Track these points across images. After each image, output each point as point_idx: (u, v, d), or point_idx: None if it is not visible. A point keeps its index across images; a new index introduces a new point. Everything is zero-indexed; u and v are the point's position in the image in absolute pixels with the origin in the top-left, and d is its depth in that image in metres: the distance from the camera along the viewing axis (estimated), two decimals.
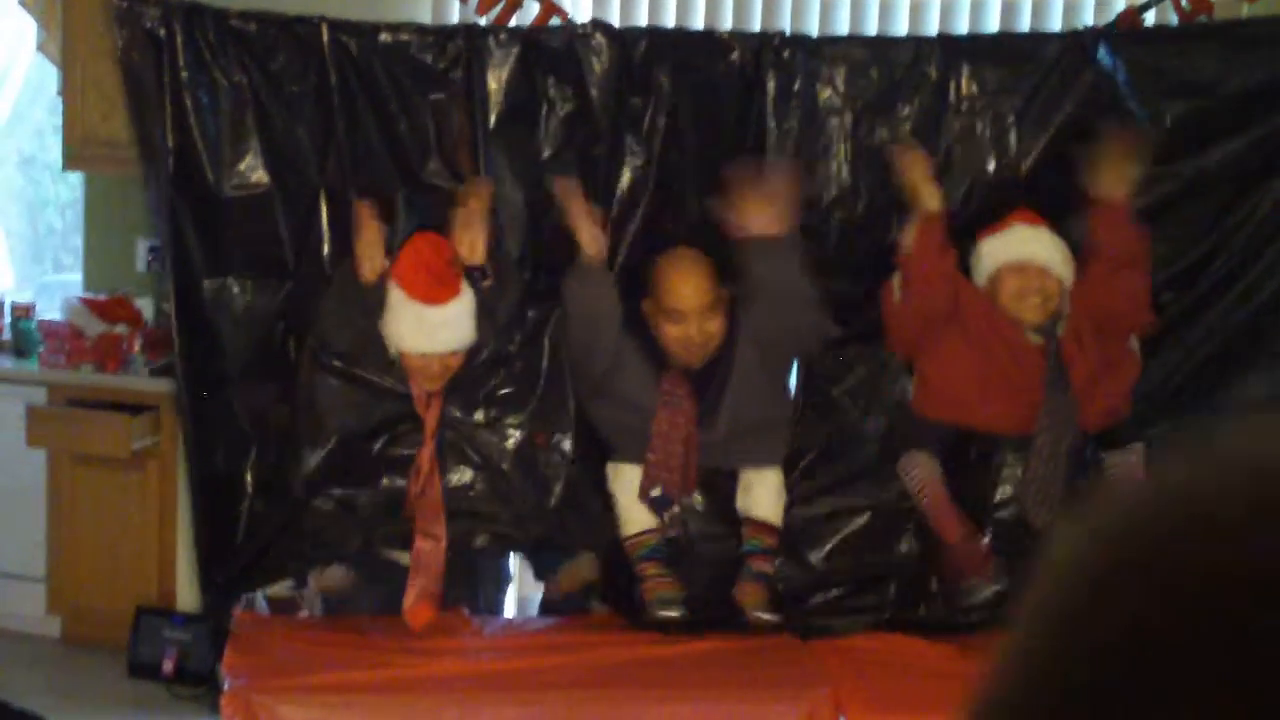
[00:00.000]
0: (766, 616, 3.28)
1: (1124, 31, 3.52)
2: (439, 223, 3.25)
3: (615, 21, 4.13)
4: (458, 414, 3.32)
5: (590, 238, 3.19)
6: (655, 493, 3.31)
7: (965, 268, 3.31)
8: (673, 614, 3.24)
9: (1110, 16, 3.75)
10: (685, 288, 3.23)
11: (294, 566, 3.43)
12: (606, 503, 3.39)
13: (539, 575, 3.62)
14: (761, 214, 3.14)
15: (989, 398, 3.29)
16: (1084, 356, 3.26)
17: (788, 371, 3.43)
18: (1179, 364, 3.40)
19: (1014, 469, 3.35)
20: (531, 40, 3.38)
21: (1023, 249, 3.21)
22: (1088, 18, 3.89)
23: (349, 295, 3.22)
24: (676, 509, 3.35)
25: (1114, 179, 3.15)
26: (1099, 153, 3.16)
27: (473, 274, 3.22)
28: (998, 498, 3.36)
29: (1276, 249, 3.36)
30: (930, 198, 3.21)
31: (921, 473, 3.34)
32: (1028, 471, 3.26)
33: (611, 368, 3.28)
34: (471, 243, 3.19)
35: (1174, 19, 3.61)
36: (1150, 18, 3.67)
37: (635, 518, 3.33)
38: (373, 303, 3.19)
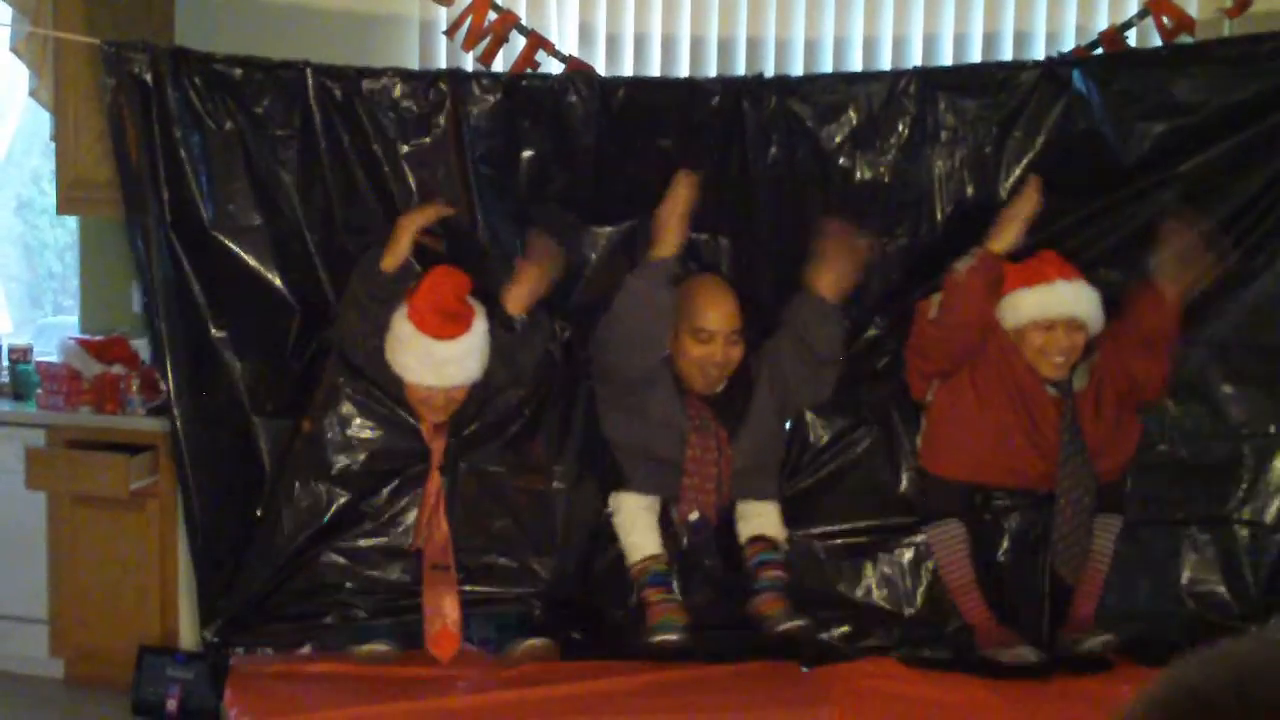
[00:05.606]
0: (793, 623, 3.26)
1: (1097, 56, 3.53)
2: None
3: (600, 58, 4.15)
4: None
5: (674, 238, 3.26)
6: (694, 516, 3.34)
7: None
8: (671, 637, 3.23)
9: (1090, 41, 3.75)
10: (717, 309, 3.31)
11: (312, 632, 3.42)
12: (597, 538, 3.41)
13: (498, 649, 3.41)
14: (834, 278, 3.29)
15: (1002, 451, 3.28)
16: (1100, 418, 3.27)
17: (789, 419, 3.49)
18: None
19: (1030, 523, 3.33)
20: (513, 85, 3.41)
21: (1062, 308, 3.20)
22: (1069, 46, 3.88)
23: (366, 278, 3.27)
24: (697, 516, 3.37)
25: (1178, 272, 3.16)
26: (1168, 244, 3.17)
27: (506, 320, 3.27)
28: (1013, 554, 3.35)
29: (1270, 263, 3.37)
30: (1004, 238, 3.21)
31: (948, 551, 3.33)
32: (1054, 531, 3.25)
33: (646, 384, 3.32)
34: (519, 298, 3.26)
35: (1156, 38, 3.63)
36: (1132, 37, 3.69)
37: (639, 544, 3.34)
38: (385, 292, 3.23)
